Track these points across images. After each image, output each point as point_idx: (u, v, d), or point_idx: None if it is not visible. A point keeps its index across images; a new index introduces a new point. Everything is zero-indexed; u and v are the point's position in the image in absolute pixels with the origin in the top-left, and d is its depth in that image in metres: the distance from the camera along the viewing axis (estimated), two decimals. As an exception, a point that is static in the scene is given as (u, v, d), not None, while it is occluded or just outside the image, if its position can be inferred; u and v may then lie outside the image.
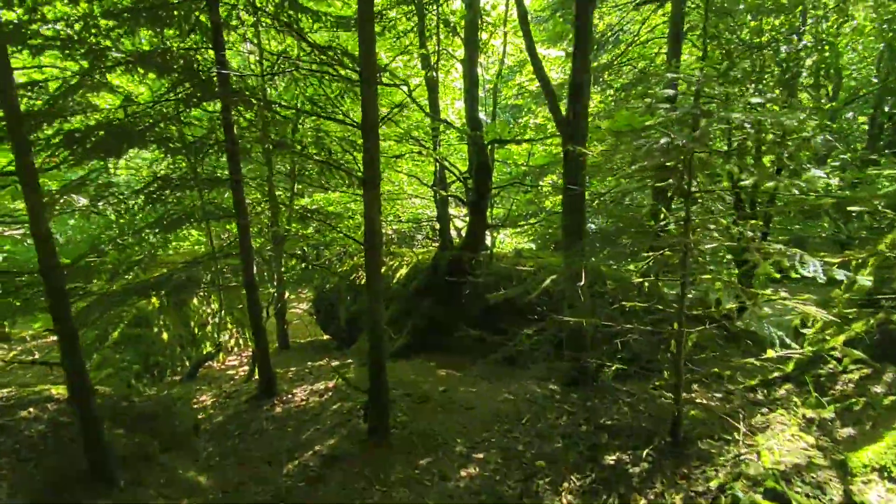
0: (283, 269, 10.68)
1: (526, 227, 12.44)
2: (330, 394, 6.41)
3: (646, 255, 4.02)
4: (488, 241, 9.14)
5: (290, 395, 6.45)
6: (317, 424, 5.24)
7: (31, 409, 3.94)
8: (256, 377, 7.31)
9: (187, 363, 9.15)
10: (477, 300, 7.90)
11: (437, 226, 12.91)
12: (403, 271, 8.94)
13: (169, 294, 8.01)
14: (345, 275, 9.89)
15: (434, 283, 8.31)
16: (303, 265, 10.25)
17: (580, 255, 5.29)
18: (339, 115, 4.96)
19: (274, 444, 5.03)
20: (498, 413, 5.06)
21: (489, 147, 7.05)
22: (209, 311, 10.79)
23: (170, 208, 6.54)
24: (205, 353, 9.36)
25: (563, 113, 5.23)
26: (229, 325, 11.52)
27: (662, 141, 3.15)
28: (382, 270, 9.73)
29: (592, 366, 5.79)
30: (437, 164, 7.98)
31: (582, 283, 4.98)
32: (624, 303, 4.16)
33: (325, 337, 11.40)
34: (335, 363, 8.34)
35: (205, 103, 6.19)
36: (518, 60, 13.50)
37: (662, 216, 4.30)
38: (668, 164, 3.37)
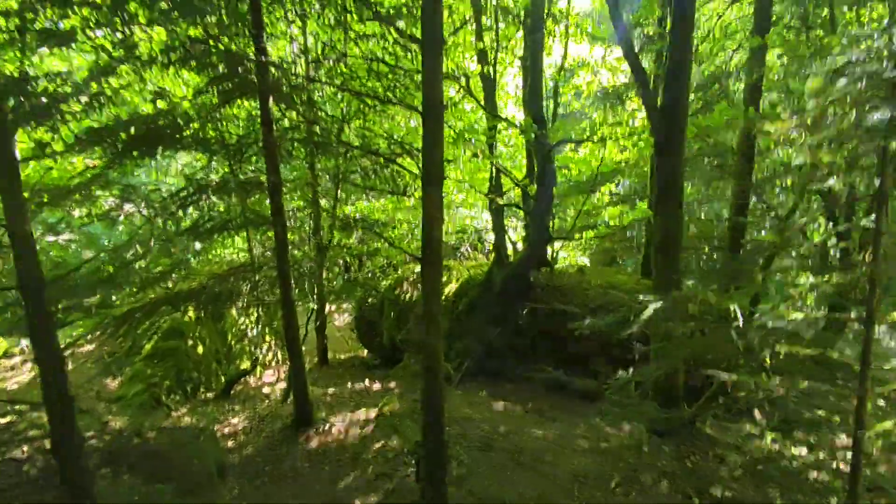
0: (324, 281, 10.11)
1: (583, 240, 11.41)
2: (372, 426, 5.64)
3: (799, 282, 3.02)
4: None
5: (327, 427, 5.72)
6: (356, 469, 4.46)
7: (25, 449, 3.37)
8: (292, 398, 6.67)
9: (222, 378, 8.64)
10: (536, 322, 6.99)
11: (488, 237, 12.10)
12: (452, 287, 8.14)
13: (205, 306, 7.53)
14: (388, 289, 9.18)
15: (487, 301, 7.46)
16: (345, 277, 9.62)
17: (674, 280, 4.32)
18: (393, 98, 4.23)
19: (307, 492, 4.28)
20: (578, 472, 4.12)
21: (551, 150, 6.18)
22: (248, 322, 10.33)
23: (204, 214, 6.00)
24: (241, 368, 8.83)
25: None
26: (267, 338, 11.03)
27: None
28: (429, 285, 8.98)
29: (687, 412, 4.77)
30: (493, 168, 7.16)
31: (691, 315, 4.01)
32: (781, 349, 3.16)
33: (366, 352, 10.71)
34: (377, 386, 7.60)
35: (244, 100, 5.63)
36: (576, 61, 12.59)
37: (826, 232, 3.29)
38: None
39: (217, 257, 10.46)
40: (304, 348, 10.50)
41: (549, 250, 7.06)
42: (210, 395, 8.25)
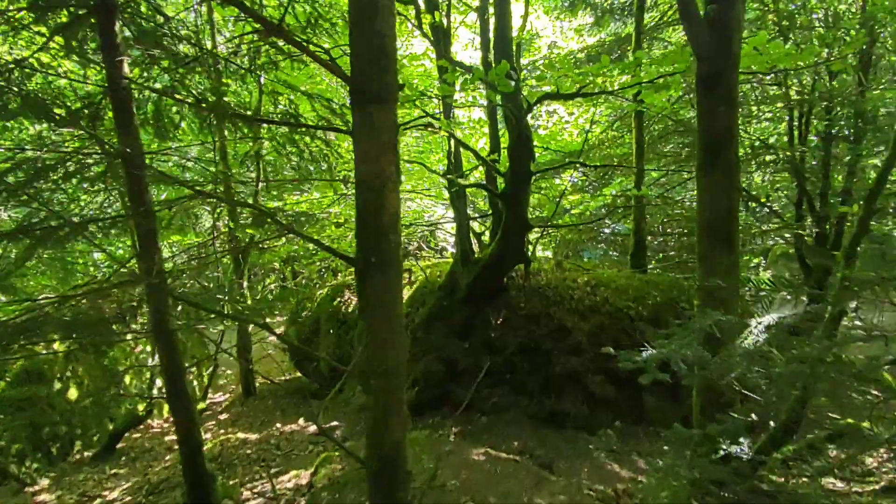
0: (245, 292, 8.24)
1: (548, 232, 10.13)
2: (304, 500, 3.97)
3: None
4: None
5: (236, 507, 4.00)
6: None
7: None
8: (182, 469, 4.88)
9: (110, 426, 6.60)
10: (513, 334, 5.55)
11: (444, 231, 10.58)
12: (405, 294, 6.55)
13: (73, 336, 5.53)
14: (325, 300, 7.46)
15: (450, 310, 5.94)
16: (271, 288, 7.83)
17: (732, 277, 2.99)
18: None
19: None
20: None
21: (529, 110, 4.74)
22: (146, 351, 8.23)
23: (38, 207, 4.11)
24: (136, 413, 6.82)
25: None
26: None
27: None
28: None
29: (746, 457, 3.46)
30: (451, 142, 5.66)
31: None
32: None
33: (300, 374, 8.86)
34: (314, 428, 5.89)
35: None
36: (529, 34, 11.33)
37: None
38: None
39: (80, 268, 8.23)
40: (223, 376, 8.46)
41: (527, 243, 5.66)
42: (88, 453, 6.22)
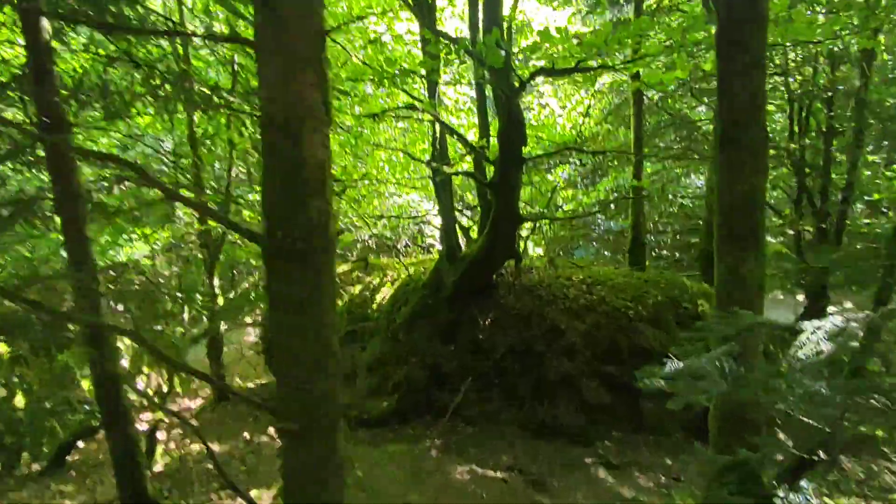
0: (216, 291, 7.71)
1: (540, 227, 9.69)
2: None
3: None
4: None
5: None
6: None
7: None
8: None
9: (63, 436, 6.03)
10: (502, 336, 5.10)
11: (431, 226, 10.10)
12: (386, 293, 6.07)
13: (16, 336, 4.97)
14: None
15: (434, 310, 5.48)
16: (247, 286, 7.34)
17: (755, 277, 2.54)
18: None
19: None
20: None
21: (521, 89, 4.27)
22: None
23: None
24: (90, 424, 6.25)
25: None
26: (146, 369, 8.41)
27: None
28: (356, 291, 6.82)
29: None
30: (436, 126, 5.18)
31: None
32: None
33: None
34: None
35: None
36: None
37: None
38: None
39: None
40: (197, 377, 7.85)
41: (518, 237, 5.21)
42: (37, 466, 5.66)
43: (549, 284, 5.40)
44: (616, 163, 8.96)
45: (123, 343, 7.37)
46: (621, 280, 5.54)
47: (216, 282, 7.86)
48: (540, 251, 11.91)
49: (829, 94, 8.78)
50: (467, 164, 6.07)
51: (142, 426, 6.34)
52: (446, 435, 4.63)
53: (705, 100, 8.37)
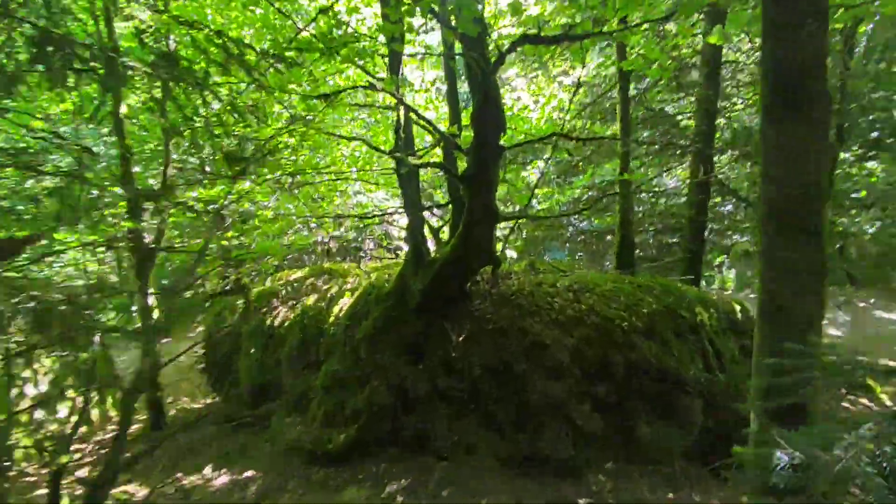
0: (148, 300, 6.75)
1: (517, 227, 9.06)
2: None
3: None
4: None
5: None
6: None
7: None
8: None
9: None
10: (478, 352, 4.41)
11: (395, 227, 9.33)
12: (345, 304, 5.29)
13: None
14: (246, 311, 6.09)
15: (400, 322, 4.74)
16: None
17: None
18: None
19: None
20: None
21: (500, 63, 3.59)
22: (31, 373, 6.57)
23: None
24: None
25: None
26: (72, 394, 7.34)
27: None
28: (310, 301, 6.01)
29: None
30: (399, 110, 4.44)
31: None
32: None
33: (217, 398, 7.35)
34: (222, 479, 4.55)
35: None
36: None
37: None
38: None
39: None
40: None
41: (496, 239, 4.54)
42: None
43: (530, 292, 4.75)
44: (594, 157, 8.42)
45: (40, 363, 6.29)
46: (611, 286, 4.94)
47: (150, 292, 6.89)
48: (513, 254, 11.31)
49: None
50: (438, 159, 5.36)
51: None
52: (414, 473, 3.91)
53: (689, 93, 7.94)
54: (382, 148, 4.84)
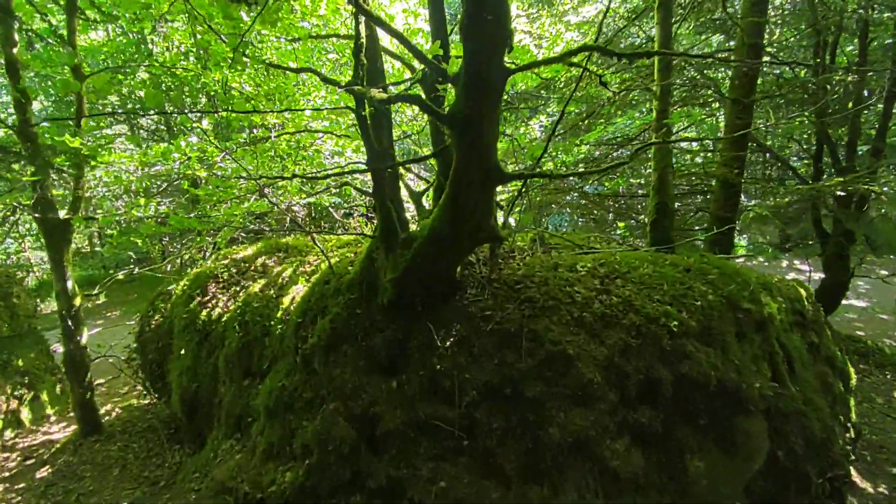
0: (69, 280, 5.51)
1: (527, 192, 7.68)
2: None
3: None
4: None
5: None
6: None
7: None
8: None
9: None
10: (473, 365, 3.17)
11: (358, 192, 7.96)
12: (296, 295, 4.01)
13: None
14: (180, 299, 4.79)
15: (368, 322, 3.48)
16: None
17: None
18: None
19: None
20: None
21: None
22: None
23: None
24: None
25: None
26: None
27: None
28: (256, 289, 4.71)
29: None
30: (358, 21, 3.02)
31: None
32: None
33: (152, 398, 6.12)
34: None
35: None
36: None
37: None
38: None
39: None
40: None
41: (499, 208, 3.24)
42: None
43: (543, 280, 3.48)
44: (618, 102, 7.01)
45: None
46: (648, 269, 3.68)
47: (69, 273, 5.58)
48: (512, 221, 9.98)
49: (863, 19, 7.08)
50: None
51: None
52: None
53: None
54: (338, 81, 3.43)
